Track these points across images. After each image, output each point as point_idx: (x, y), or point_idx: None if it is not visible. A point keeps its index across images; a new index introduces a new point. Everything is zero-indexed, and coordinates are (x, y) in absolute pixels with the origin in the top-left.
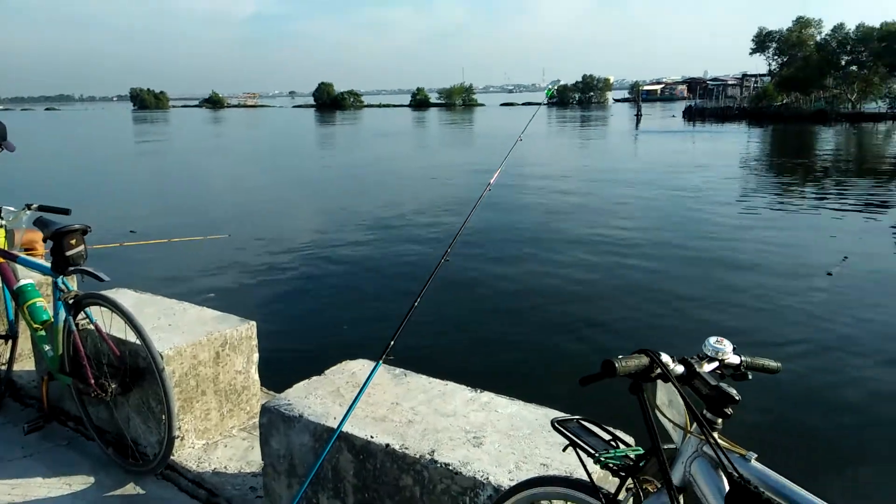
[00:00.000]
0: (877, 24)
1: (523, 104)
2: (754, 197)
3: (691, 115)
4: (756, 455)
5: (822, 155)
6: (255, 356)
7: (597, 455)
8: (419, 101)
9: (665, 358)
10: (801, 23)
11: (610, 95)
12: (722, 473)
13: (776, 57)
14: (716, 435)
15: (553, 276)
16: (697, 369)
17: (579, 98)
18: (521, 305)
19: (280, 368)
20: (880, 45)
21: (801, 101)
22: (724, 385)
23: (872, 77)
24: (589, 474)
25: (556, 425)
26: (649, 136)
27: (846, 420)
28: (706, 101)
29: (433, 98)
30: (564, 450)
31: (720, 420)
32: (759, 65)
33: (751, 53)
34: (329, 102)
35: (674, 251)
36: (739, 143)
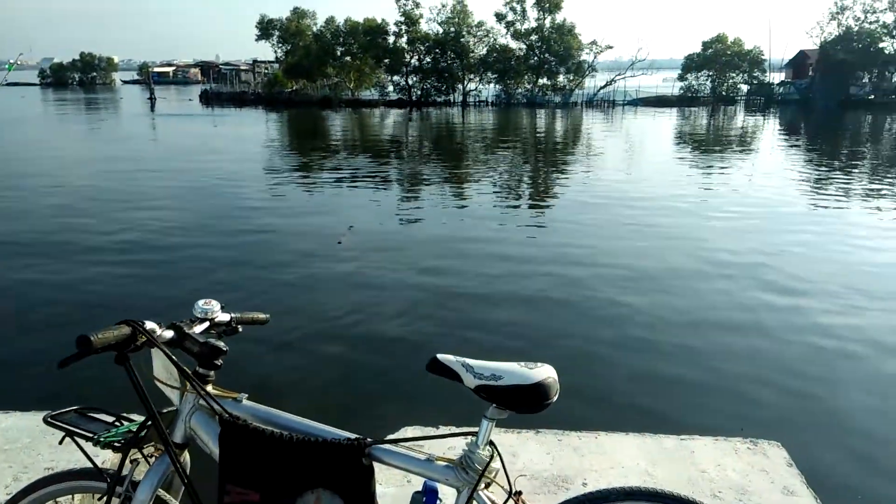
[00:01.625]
0: (360, 19)
1: (7, 84)
2: (281, 176)
3: (208, 99)
4: (247, 395)
5: (333, 136)
6: None
7: (96, 437)
8: None
9: (150, 325)
10: (298, 13)
11: (117, 76)
12: (217, 419)
13: (280, 45)
14: (210, 387)
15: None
16: (186, 331)
17: (80, 78)
18: None
19: None
20: (366, 38)
21: (308, 88)
22: (211, 340)
23: (364, 67)
24: (90, 458)
25: (50, 420)
26: (168, 120)
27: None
28: (221, 86)
29: None
30: (61, 442)
31: (213, 372)
32: (268, 52)
33: (256, 40)
34: None
35: (212, 229)
36: (259, 126)
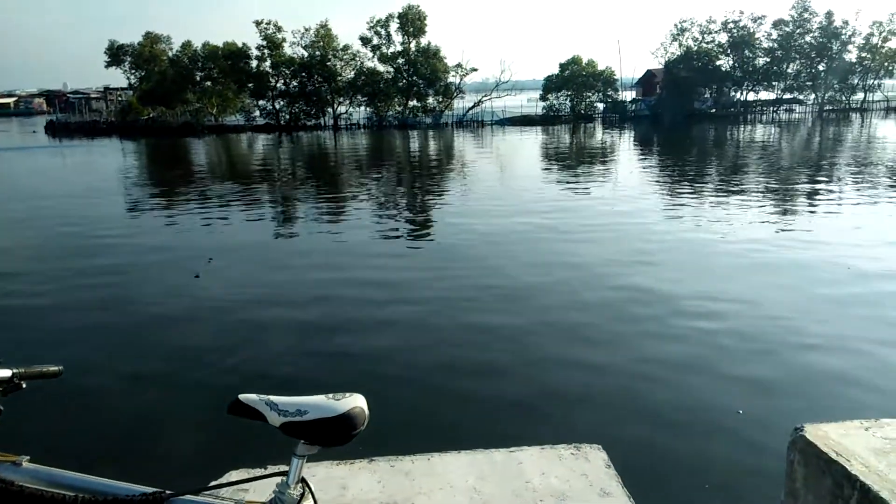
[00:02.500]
0: (220, 43)
1: None
2: (142, 207)
3: (55, 130)
4: (29, 458)
5: (198, 164)
6: None
7: None
8: None
9: None
10: (152, 38)
11: None
12: None
13: (133, 71)
14: None
15: None
16: None
17: None
18: None
19: None
20: (227, 62)
21: (167, 115)
22: None
23: (227, 92)
24: None
25: None
26: (11, 154)
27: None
28: (69, 115)
29: None
30: None
31: None
32: (120, 78)
33: (106, 66)
34: None
35: (65, 274)
36: (115, 157)
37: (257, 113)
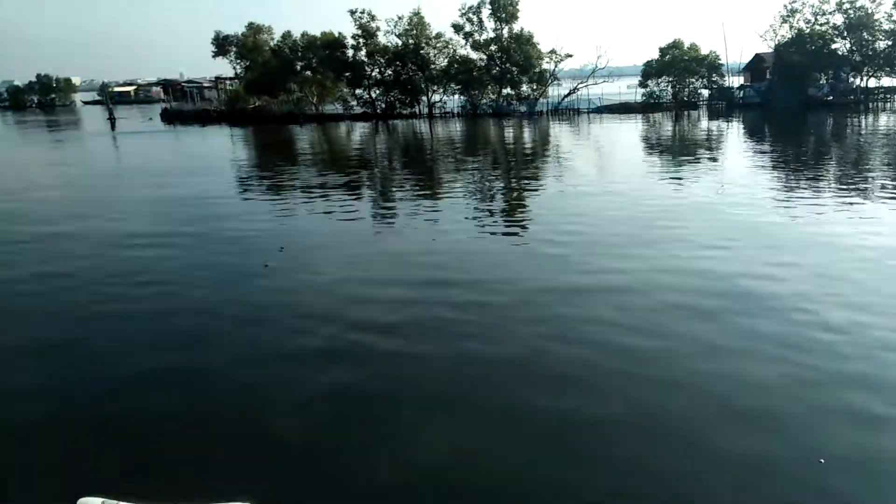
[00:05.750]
0: (318, 33)
1: None
2: (252, 191)
3: (169, 117)
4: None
5: (301, 150)
6: None
7: None
8: None
9: None
10: (254, 28)
11: (77, 97)
12: None
13: (238, 61)
14: None
15: None
16: None
17: (39, 101)
18: None
19: None
20: (324, 52)
21: (272, 104)
22: None
23: (325, 81)
24: None
25: None
26: (128, 138)
27: None
28: (183, 104)
29: None
30: None
31: None
32: (228, 68)
33: (213, 56)
34: None
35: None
36: (225, 143)
37: (354, 102)
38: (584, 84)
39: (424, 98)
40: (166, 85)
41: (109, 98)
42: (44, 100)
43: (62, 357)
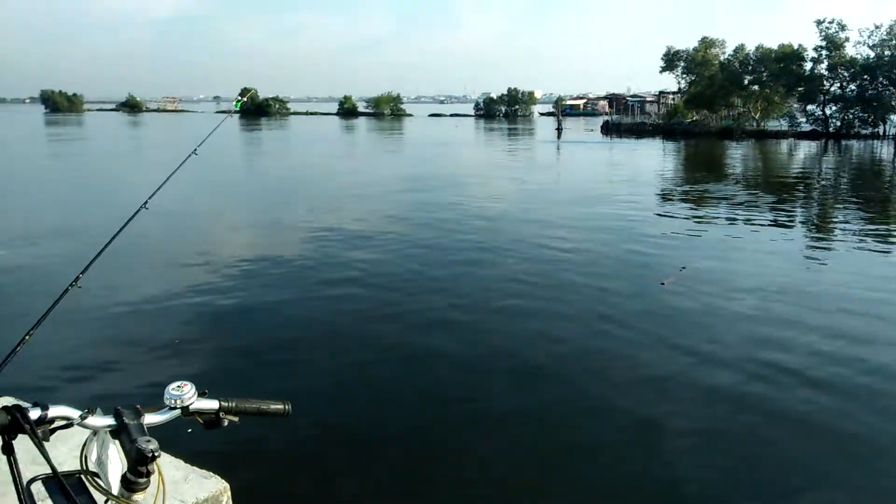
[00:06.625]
0: (774, 46)
1: (451, 115)
2: (672, 207)
3: (608, 129)
4: None
5: (731, 168)
6: None
7: None
8: (347, 110)
9: (61, 410)
10: (706, 43)
11: (536, 109)
12: None
13: (684, 75)
14: (140, 496)
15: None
16: (128, 421)
17: (506, 111)
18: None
19: None
20: (778, 65)
21: (710, 118)
22: (142, 440)
23: (773, 96)
24: None
25: None
26: (569, 146)
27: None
28: (623, 117)
29: (361, 107)
30: None
31: (143, 480)
32: (674, 83)
33: (660, 72)
34: (253, 109)
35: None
36: (656, 155)
37: (803, 118)
38: None
39: (893, 117)
40: (612, 99)
41: (560, 110)
42: (509, 110)
43: None
